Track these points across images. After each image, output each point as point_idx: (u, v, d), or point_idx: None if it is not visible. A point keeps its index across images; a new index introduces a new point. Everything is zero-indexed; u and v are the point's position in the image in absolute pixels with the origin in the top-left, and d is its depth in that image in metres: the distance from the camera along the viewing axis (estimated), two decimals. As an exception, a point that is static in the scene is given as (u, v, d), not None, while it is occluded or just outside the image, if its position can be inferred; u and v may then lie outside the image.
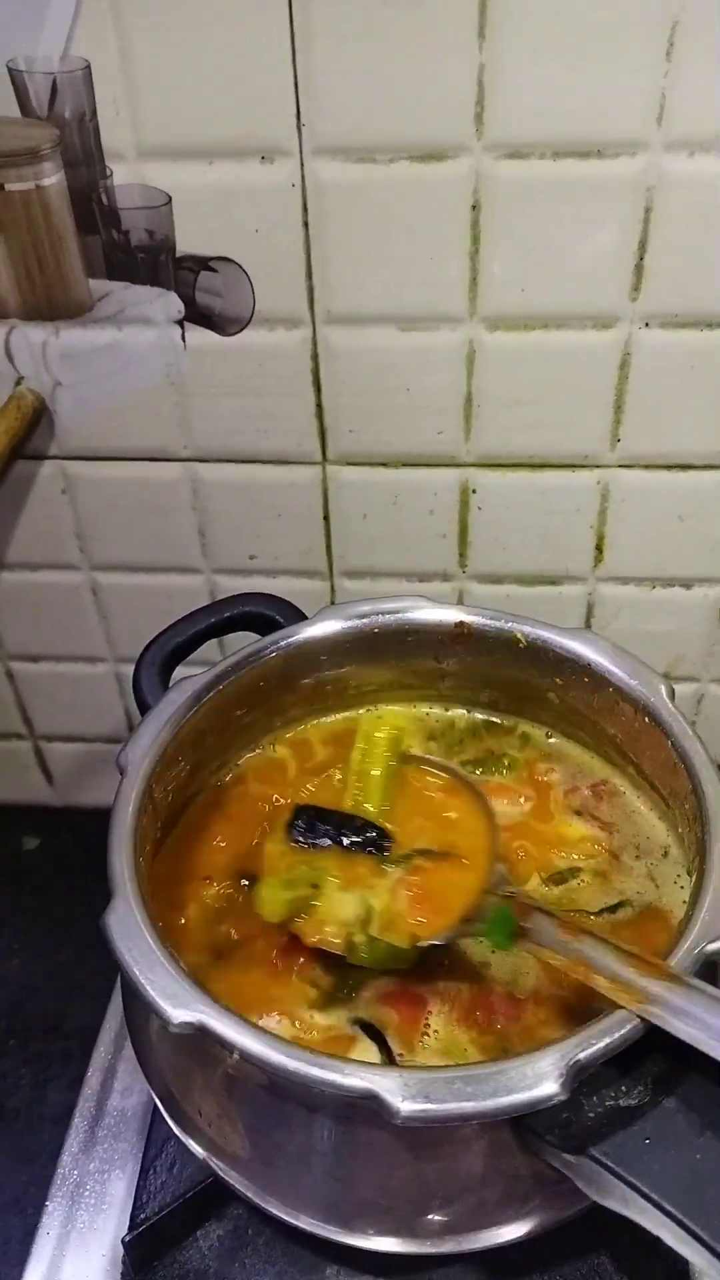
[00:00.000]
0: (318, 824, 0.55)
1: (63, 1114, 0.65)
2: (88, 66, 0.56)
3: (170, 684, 0.58)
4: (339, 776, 0.60)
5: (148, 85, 0.57)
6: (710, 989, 0.40)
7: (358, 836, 0.55)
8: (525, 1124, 0.39)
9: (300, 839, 0.55)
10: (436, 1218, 0.45)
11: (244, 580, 0.77)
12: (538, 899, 0.51)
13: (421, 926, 0.51)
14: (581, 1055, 0.38)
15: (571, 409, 0.66)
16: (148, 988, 0.41)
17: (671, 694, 0.53)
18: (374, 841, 0.55)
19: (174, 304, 0.64)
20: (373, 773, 0.59)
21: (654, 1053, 0.41)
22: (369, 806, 0.57)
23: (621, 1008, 0.41)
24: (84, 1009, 0.73)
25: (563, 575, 0.74)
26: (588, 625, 0.77)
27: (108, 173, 0.60)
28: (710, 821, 0.47)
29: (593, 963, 0.44)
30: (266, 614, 0.61)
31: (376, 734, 0.61)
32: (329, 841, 0.55)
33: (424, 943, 0.50)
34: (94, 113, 0.58)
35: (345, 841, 0.55)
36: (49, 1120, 0.68)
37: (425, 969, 0.50)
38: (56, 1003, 0.76)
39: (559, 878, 0.55)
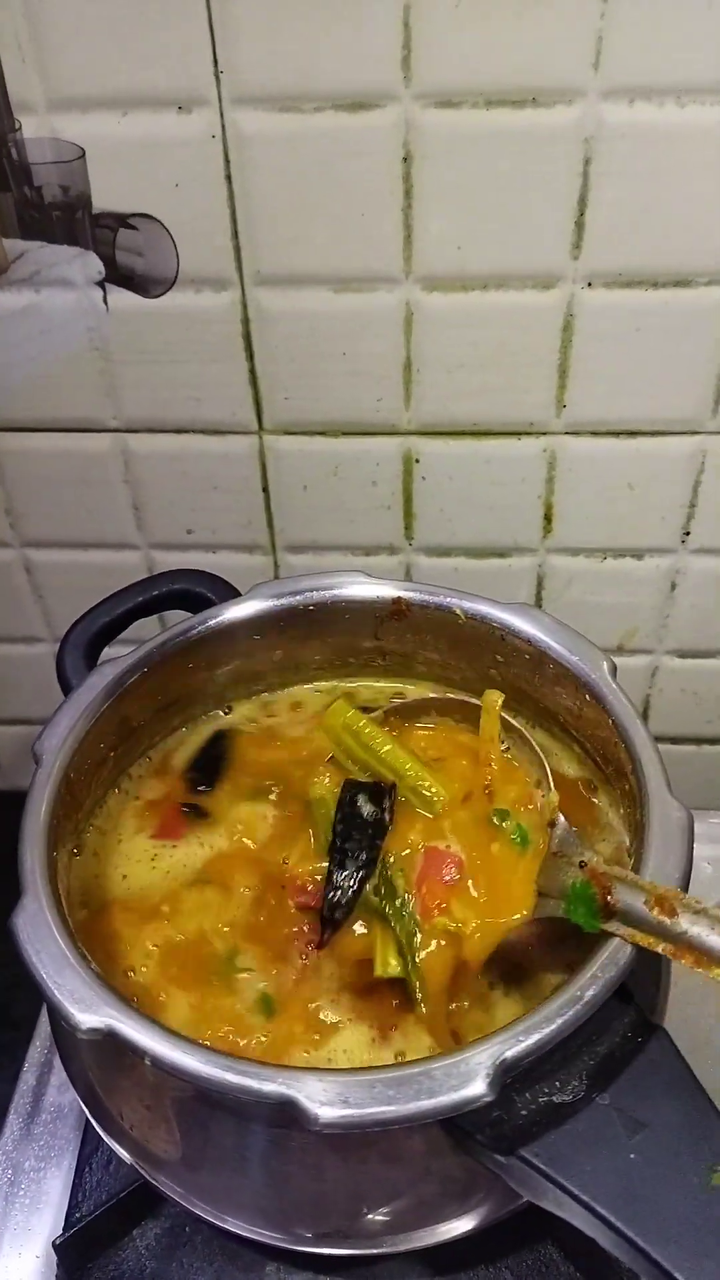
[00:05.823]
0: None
1: (7, 1105, 0.63)
2: (-11, 8, 0.53)
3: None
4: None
5: (54, 28, 0.53)
6: None
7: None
8: (455, 1124, 0.38)
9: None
10: (374, 1218, 0.43)
11: (183, 555, 0.74)
12: (615, 868, 0.42)
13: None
14: (509, 1053, 0.37)
15: (514, 374, 0.63)
16: (55, 992, 0.39)
17: (613, 670, 0.51)
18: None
19: (94, 264, 0.61)
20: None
21: (589, 1045, 0.39)
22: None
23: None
24: (29, 999, 0.70)
25: (511, 547, 0.72)
26: (539, 598, 0.75)
27: (16, 125, 0.56)
28: (649, 803, 0.45)
29: (708, 950, 0.38)
30: (197, 591, 0.59)
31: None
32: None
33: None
34: (-1, 60, 0.54)
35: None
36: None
37: None
38: (1, 993, 0.74)
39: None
